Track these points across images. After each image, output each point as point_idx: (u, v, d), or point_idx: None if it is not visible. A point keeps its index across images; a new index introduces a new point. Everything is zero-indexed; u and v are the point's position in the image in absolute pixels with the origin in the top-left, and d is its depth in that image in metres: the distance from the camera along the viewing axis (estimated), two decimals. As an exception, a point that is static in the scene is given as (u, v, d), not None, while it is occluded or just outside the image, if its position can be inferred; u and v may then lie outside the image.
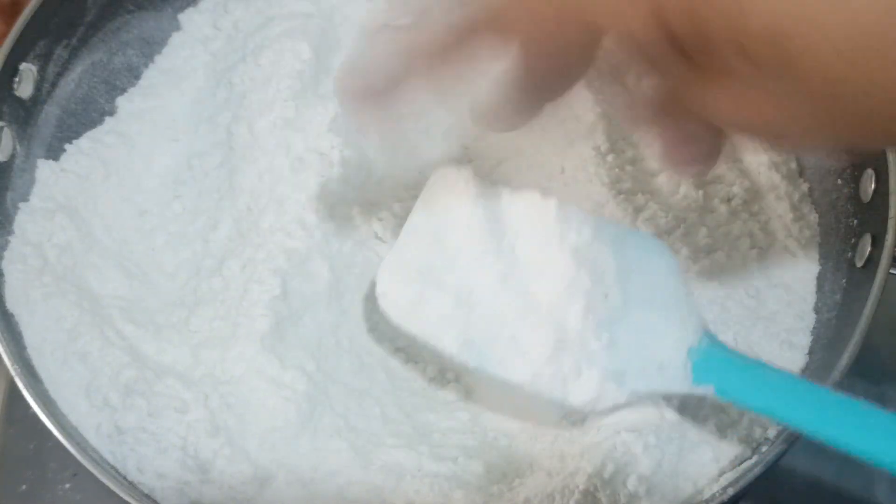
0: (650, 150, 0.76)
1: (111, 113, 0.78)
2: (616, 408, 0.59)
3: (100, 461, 0.62)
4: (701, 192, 0.73)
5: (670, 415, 0.63)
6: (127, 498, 0.59)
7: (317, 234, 0.70)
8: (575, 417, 0.64)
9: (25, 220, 0.70)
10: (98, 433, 0.63)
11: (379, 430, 0.67)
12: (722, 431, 0.64)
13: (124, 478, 0.62)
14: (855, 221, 0.70)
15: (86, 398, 0.64)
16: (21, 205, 0.70)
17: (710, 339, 0.59)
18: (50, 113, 0.74)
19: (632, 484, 0.61)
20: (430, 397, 0.69)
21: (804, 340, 0.69)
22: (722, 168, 0.75)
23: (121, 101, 0.78)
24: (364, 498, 0.64)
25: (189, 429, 0.64)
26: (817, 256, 0.72)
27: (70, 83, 0.76)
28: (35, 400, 0.60)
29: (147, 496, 0.62)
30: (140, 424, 0.64)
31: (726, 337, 0.66)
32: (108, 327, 0.67)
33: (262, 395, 0.65)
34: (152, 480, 0.63)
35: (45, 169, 0.72)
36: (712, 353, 0.59)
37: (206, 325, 0.68)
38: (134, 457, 0.63)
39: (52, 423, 0.60)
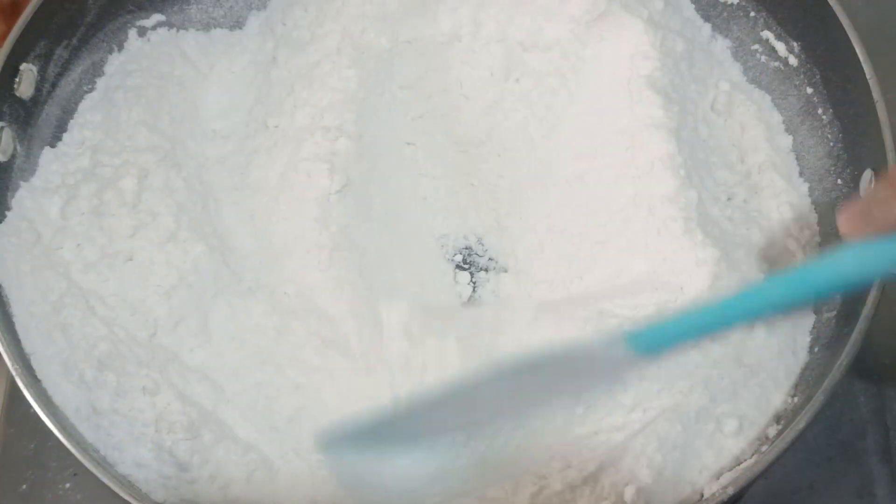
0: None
1: (111, 113, 0.78)
2: None
3: (101, 461, 0.61)
4: (701, 193, 0.73)
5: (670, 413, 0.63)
6: (127, 497, 0.59)
7: None
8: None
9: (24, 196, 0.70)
10: (78, 415, 0.63)
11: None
12: (721, 430, 0.64)
13: (125, 477, 0.62)
14: (855, 221, 0.70)
15: (64, 375, 0.63)
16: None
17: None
18: (50, 113, 0.74)
19: (632, 483, 0.62)
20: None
21: (804, 340, 0.69)
22: (722, 169, 0.75)
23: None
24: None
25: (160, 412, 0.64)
26: (817, 256, 0.72)
27: (70, 83, 0.76)
28: (35, 400, 0.60)
29: (147, 496, 0.62)
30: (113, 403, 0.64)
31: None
32: (93, 297, 0.67)
33: None
34: (132, 470, 0.63)
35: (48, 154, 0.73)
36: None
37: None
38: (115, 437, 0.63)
39: (53, 423, 0.60)
